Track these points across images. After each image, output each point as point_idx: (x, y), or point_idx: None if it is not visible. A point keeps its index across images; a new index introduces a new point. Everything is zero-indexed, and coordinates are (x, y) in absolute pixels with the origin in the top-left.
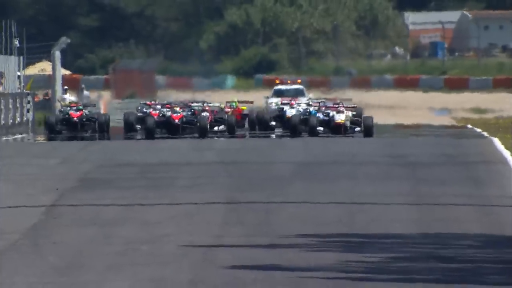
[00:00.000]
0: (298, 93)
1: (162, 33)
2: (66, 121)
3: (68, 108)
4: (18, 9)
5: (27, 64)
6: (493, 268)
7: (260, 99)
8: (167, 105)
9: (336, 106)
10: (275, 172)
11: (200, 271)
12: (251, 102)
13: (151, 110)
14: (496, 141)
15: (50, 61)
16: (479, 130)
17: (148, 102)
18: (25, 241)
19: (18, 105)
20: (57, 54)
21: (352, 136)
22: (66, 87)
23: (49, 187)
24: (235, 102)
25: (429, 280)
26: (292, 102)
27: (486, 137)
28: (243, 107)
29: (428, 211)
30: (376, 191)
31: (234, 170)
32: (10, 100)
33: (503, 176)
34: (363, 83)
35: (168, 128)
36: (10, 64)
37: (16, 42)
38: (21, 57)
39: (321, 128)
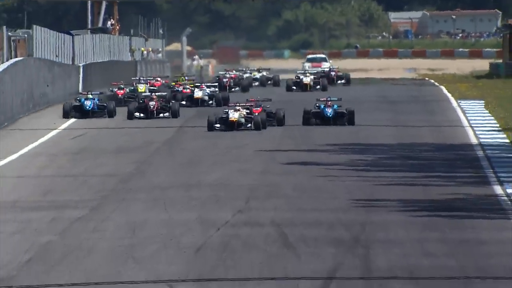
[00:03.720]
0: (322, 60)
1: (244, 25)
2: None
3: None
4: (162, 12)
5: (166, 44)
6: (440, 163)
7: (300, 64)
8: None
9: (235, 104)
10: None
11: (267, 165)
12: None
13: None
14: (443, 88)
15: (179, 42)
16: (432, 81)
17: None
18: (164, 147)
19: (161, 68)
20: (184, 38)
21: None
22: (195, 56)
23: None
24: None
25: (402, 170)
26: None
27: (437, 85)
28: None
29: (402, 130)
30: (370, 118)
31: (286, 112)
32: (157, 66)
33: (447, 108)
34: (364, 54)
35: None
36: (157, 44)
37: (160, 31)
38: (163, 40)
39: (218, 125)
